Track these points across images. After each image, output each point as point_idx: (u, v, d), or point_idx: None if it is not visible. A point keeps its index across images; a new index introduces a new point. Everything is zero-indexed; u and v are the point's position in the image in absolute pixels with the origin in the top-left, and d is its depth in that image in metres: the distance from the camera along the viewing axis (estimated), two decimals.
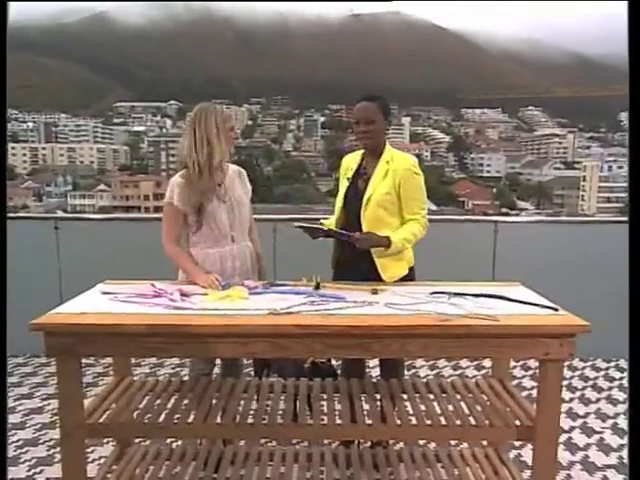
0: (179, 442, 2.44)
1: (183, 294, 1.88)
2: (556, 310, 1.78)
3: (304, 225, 2.09)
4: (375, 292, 1.99)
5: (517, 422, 1.81)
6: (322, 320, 1.67)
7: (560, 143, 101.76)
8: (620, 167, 65.70)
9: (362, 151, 2.32)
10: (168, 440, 2.47)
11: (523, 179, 77.91)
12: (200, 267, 2.18)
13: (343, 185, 2.30)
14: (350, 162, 2.33)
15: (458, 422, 1.82)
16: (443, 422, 1.83)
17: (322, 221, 2.30)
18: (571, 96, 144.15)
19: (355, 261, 2.19)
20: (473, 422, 1.82)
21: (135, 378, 2.30)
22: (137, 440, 2.36)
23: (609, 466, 2.39)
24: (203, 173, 2.13)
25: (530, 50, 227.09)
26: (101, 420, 1.79)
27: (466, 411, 1.92)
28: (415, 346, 1.66)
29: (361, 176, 2.25)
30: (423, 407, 1.94)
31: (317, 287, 2.02)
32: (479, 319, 1.67)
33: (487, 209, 55.73)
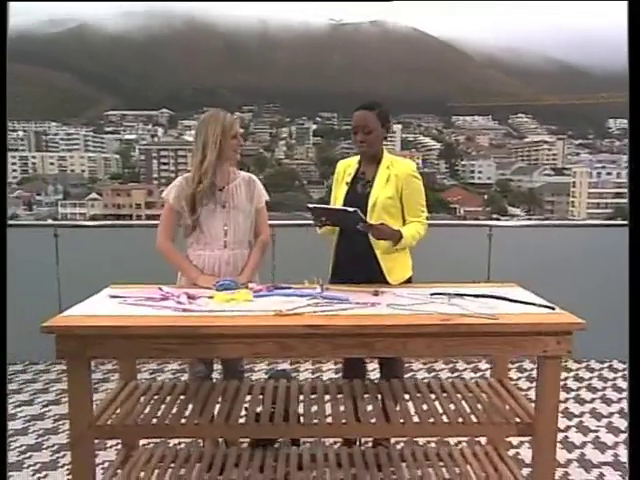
0: (183, 445, 2.47)
1: (190, 297, 1.92)
2: (553, 309, 1.84)
3: (318, 206, 2.10)
4: (376, 294, 2.04)
5: (517, 419, 1.86)
6: (327, 320, 1.72)
7: (549, 150, 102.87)
8: (609, 173, 66.51)
9: (359, 156, 2.37)
10: (172, 444, 2.50)
11: (514, 185, 78.60)
12: (194, 266, 2.25)
13: (341, 190, 2.33)
14: (346, 167, 2.37)
15: (460, 419, 1.87)
16: (445, 419, 1.87)
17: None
18: (560, 103, 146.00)
19: (356, 263, 2.23)
20: (474, 419, 1.87)
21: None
22: (142, 444, 2.39)
23: (605, 463, 2.45)
24: (194, 178, 2.21)
25: (513, 58, 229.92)
26: (109, 422, 1.81)
27: (467, 409, 1.97)
28: (418, 345, 1.71)
29: (359, 181, 2.30)
30: (425, 406, 1.98)
31: (321, 289, 2.06)
32: (479, 318, 1.72)
33: (478, 215, 56.14)
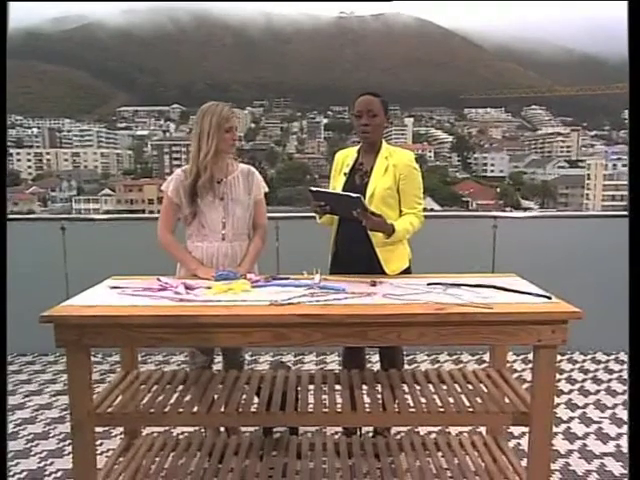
0: (185, 434, 2.51)
1: (187, 287, 1.94)
2: (549, 298, 1.83)
3: (321, 190, 2.10)
4: (374, 284, 2.04)
5: (513, 408, 1.86)
6: (321, 310, 1.73)
7: (564, 142, 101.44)
8: (624, 165, 65.23)
9: (358, 147, 2.37)
10: (174, 432, 2.54)
11: (527, 178, 77.68)
12: (194, 258, 2.26)
13: (339, 180, 2.33)
14: (345, 158, 2.36)
15: (455, 408, 1.87)
16: (440, 408, 1.88)
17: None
18: (574, 95, 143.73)
19: (354, 253, 2.24)
20: (470, 408, 1.87)
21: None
22: (144, 432, 2.43)
23: (606, 454, 2.44)
24: (192, 170, 2.23)
25: (529, 49, 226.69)
26: (109, 410, 1.85)
27: (464, 398, 1.97)
28: (412, 334, 1.71)
29: (357, 171, 2.29)
30: (421, 395, 1.99)
31: (319, 280, 2.06)
32: (473, 307, 1.72)
33: (491, 209, 55.65)
